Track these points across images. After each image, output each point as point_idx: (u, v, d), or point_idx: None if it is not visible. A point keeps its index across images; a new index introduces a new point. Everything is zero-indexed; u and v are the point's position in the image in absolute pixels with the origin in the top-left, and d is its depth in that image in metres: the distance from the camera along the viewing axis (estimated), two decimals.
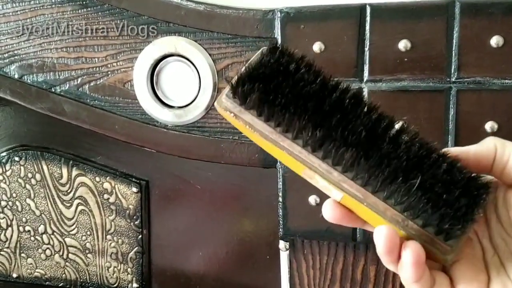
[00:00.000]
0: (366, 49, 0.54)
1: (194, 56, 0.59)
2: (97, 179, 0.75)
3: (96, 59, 0.62)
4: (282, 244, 0.61)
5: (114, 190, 0.75)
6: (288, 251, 0.61)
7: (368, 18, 0.54)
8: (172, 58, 0.60)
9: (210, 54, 0.59)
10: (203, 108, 0.60)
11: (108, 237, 0.77)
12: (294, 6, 0.55)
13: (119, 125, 0.63)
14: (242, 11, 0.57)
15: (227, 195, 0.71)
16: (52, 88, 0.63)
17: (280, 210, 0.60)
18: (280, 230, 0.60)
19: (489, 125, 0.53)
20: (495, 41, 0.51)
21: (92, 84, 0.62)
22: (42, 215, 0.77)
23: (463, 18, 0.52)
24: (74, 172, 0.75)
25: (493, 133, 0.52)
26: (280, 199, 0.60)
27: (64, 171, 0.75)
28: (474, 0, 0.52)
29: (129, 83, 0.62)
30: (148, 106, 0.62)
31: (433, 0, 0.53)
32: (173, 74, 0.61)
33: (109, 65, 0.62)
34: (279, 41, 0.56)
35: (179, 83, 0.61)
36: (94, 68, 0.62)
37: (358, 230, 0.58)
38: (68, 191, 0.76)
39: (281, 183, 0.59)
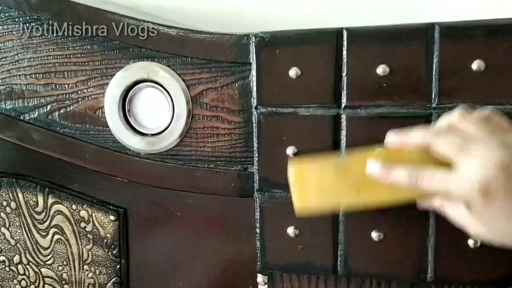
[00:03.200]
0: (344, 74, 0.52)
1: (167, 82, 0.57)
2: (74, 207, 0.72)
3: (66, 85, 0.59)
4: (260, 278, 0.58)
5: (91, 218, 0.72)
6: (266, 285, 0.58)
7: (345, 43, 0.52)
8: (145, 84, 0.58)
9: (183, 80, 0.57)
10: (177, 135, 0.58)
11: (85, 267, 0.74)
12: (269, 31, 0.53)
13: (89, 153, 0.60)
14: (216, 35, 0.55)
15: (209, 222, 0.68)
16: (21, 116, 0.61)
17: (258, 242, 0.57)
18: (258, 263, 0.57)
19: None
20: (477, 65, 0.49)
21: (62, 111, 0.60)
22: (17, 244, 0.74)
23: (443, 41, 0.50)
24: (50, 200, 0.72)
25: None
26: (258, 230, 0.57)
27: (40, 199, 0.72)
28: (454, 23, 0.50)
29: (100, 110, 0.59)
30: (120, 133, 0.59)
31: (411, 23, 0.51)
32: (145, 101, 0.59)
33: (79, 92, 0.59)
34: (254, 66, 0.54)
35: (152, 110, 0.59)
36: (64, 95, 0.60)
37: (339, 263, 0.55)
38: (44, 219, 0.73)
39: (258, 214, 0.57)
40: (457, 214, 0.46)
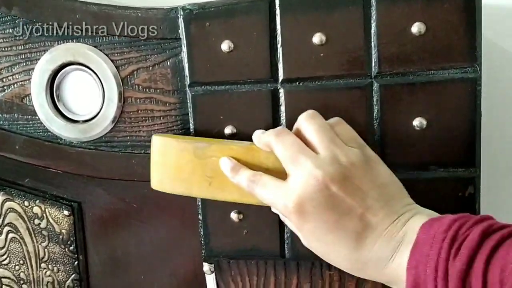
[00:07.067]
0: (279, 45, 0.49)
1: (95, 63, 0.53)
2: (26, 203, 0.69)
3: None
4: (206, 267, 0.55)
5: (44, 215, 0.69)
6: (213, 274, 0.55)
7: (278, 11, 0.48)
8: (72, 67, 0.54)
9: (112, 60, 0.53)
10: (109, 121, 0.54)
11: (43, 265, 0.71)
12: (198, 3, 0.50)
13: (19, 145, 0.57)
14: (141, 10, 0.51)
15: (167, 212, 0.64)
16: None
17: (201, 230, 0.54)
18: (203, 251, 0.54)
19: (418, 122, 0.47)
20: (417, 28, 0.46)
21: None
22: None
23: (380, 5, 0.47)
24: (1, 197, 0.69)
25: (422, 130, 0.47)
26: (200, 217, 0.54)
27: None
28: None
29: (27, 97, 0.56)
30: (50, 122, 0.55)
31: None
32: (74, 85, 0.55)
33: (4, 79, 0.55)
34: (184, 41, 0.50)
35: (82, 94, 0.55)
36: None
37: (286, 246, 0.52)
38: None
39: (199, 200, 0.54)
40: (290, 225, 0.45)
